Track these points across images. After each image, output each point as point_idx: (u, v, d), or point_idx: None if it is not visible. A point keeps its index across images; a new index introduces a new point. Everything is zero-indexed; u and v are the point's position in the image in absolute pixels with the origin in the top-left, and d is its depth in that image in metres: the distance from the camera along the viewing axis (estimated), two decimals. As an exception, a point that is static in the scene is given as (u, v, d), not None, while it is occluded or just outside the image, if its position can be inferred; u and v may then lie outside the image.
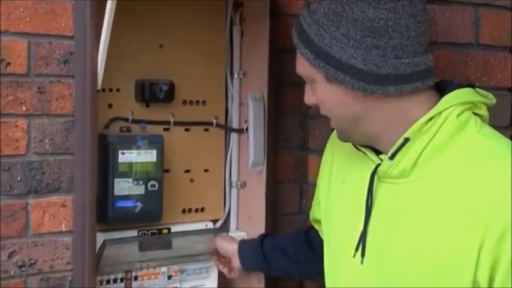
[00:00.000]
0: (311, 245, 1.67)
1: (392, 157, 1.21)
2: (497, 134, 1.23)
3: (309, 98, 1.32)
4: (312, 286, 1.90)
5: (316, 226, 1.63)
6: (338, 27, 1.18)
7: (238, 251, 1.75)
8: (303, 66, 1.27)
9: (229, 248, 1.77)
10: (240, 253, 1.75)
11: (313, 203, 1.60)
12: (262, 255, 1.71)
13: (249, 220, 1.90)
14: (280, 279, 1.89)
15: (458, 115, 1.19)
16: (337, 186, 1.41)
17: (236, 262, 1.76)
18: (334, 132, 1.47)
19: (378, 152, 1.28)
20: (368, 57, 1.16)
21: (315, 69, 1.23)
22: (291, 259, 1.69)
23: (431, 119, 1.19)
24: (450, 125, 1.19)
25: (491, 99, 1.26)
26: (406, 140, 1.20)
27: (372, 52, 1.16)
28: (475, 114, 1.23)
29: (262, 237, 1.76)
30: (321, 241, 1.59)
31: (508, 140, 1.21)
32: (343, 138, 1.32)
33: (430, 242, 1.18)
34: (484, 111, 1.25)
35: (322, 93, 1.25)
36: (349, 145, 1.36)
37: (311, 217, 1.63)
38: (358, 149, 1.31)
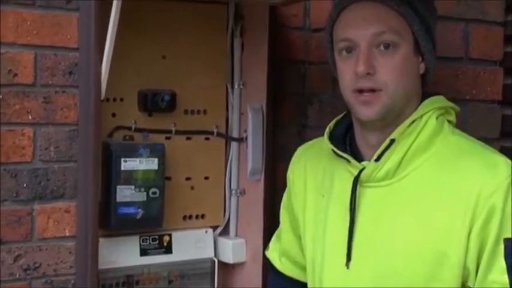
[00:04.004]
0: None
1: (378, 159, 1.28)
2: (466, 135, 1.33)
3: (367, 65, 1.25)
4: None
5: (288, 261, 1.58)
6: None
7: None
8: (396, 29, 1.27)
9: None
10: None
11: (284, 238, 1.57)
12: None
13: (248, 227, 1.95)
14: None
15: (436, 118, 1.30)
16: (316, 201, 1.43)
17: None
18: (298, 153, 1.55)
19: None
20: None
21: (411, 34, 1.28)
22: None
23: (413, 121, 1.28)
24: (430, 127, 1.29)
25: (457, 107, 1.37)
26: (392, 141, 1.27)
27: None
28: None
29: None
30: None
31: (476, 139, 1.32)
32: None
33: (419, 237, 1.24)
34: (453, 118, 1.36)
35: (400, 60, 1.26)
36: (321, 161, 1.42)
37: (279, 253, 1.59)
38: (340, 156, 1.35)
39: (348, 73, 1.29)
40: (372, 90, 1.26)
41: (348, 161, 1.33)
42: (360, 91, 1.27)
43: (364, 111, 1.28)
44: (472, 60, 1.63)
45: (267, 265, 1.64)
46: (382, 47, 1.26)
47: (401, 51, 1.26)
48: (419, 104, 1.31)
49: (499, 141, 1.65)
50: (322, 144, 1.41)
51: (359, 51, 1.26)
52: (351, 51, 1.28)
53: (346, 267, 1.31)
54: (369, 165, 1.30)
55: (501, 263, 1.19)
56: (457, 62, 1.59)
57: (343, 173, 1.35)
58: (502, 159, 1.25)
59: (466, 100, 1.60)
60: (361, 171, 1.31)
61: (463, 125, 1.34)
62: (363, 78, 1.26)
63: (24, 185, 1.57)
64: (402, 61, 1.27)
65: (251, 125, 1.89)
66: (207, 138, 1.92)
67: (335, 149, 1.35)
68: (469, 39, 1.61)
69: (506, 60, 1.67)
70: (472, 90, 1.62)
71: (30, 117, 1.57)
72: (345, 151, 1.35)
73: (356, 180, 1.31)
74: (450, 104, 1.34)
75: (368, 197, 1.31)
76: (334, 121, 1.41)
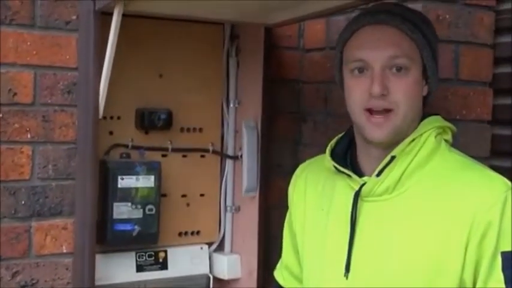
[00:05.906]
0: None
1: (379, 174, 1.32)
2: (462, 153, 1.37)
3: (382, 86, 1.29)
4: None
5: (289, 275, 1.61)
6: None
7: None
8: (408, 54, 1.30)
9: None
10: None
11: (285, 255, 1.59)
12: None
13: (242, 243, 1.97)
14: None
15: (435, 137, 1.34)
16: (315, 215, 1.47)
17: None
18: (299, 169, 1.57)
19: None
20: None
21: (420, 59, 1.32)
22: None
23: (413, 139, 1.32)
24: (429, 145, 1.33)
25: (454, 127, 1.40)
26: (393, 158, 1.31)
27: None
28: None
29: None
30: None
31: (471, 158, 1.35)
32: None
33: (417, 250, 1.27)
34: (450, 137, 1.39)
35: (411, 83, 1.31)
36: (321, 176, 1.46)
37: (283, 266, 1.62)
38: (341, 171, 1.38)
39: (358, 92, 1.32)
40: (384, 111, 1.30)
41: (349, 176, 1.37)
42: (371, 112, 1.31)
43: (375, 133, 1.31)
44: (462, 81, 1.67)
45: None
46: (394, 70, 1.30)
47: (411, 74, 1.31)
48: (419, 123, 1.35)
49: (489, 160, 1.69)
50: (323, 161, 1.44)
51: (372, 72, 1.30)
52: (363, 71, 1.32)
53: (345, 278, 1.34)
54: (370, 180, 1.34)
55: (499, 275, 1.22)
56: (447, 83, 1.63)
57: (344, 187, 1.39)
58: (496, 176, 1.29)
59: (456, 120, 1.63)
60: (362, 186, 1.35)
61: (455, 144, 1.38)
62: (376, 99, 1.30)
63: (23, 202, 1.59)
64: (413, 83, 1.31)
65: (246, 143, 1.92)
66: (202, 156, 1.95)
67: (336, 165, 1.39)
68: (459, 61, 1.65)
69: (495, 81, 1.71)
70: (462, 111, 1.65)
71: (29, 135, 1.59)
72: (346, 167, 1.39)
73: (357, 195, 1.35)
74: (448, 123, 1.38)
75: (368, 210, 1.34)
76: (335, 139, 1.45)
